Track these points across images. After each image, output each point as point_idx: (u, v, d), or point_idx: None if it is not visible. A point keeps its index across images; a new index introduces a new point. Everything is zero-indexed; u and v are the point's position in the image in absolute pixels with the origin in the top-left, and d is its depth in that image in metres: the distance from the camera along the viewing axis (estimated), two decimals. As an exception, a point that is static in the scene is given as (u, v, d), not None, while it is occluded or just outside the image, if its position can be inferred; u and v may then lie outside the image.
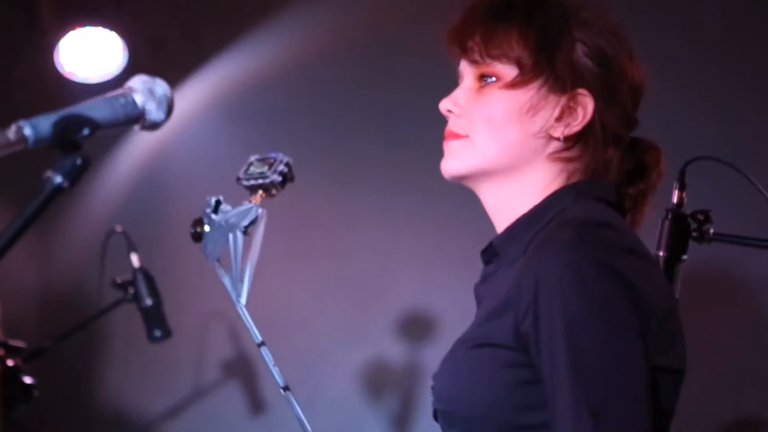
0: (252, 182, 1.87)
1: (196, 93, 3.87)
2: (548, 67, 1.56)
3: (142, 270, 3.07)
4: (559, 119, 1.57)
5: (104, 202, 3.82)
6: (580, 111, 1.57)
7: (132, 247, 3.11)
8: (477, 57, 1.59)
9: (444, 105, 1.63)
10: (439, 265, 3.54)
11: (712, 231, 2.10)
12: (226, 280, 1.84)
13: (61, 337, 3.11)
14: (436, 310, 3.51)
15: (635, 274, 1.44)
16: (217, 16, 3.99)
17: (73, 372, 3.84)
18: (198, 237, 1.88)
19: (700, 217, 2.10)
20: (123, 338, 3.81)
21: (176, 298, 3.32)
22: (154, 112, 1.40)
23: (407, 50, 3.57)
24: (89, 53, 3.86)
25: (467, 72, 1.62)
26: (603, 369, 1.39)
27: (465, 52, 1.61)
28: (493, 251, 1.62)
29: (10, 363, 2.85)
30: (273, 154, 1.88)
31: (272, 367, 1.83)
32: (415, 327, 3.52)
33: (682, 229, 2.09)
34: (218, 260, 1.83)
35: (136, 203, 3.85)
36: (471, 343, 1.51)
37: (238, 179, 1.88)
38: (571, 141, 1.58)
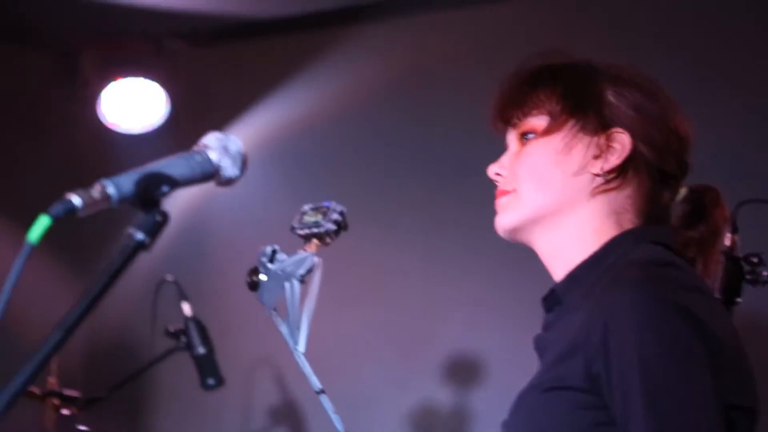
0: (306, 231, 1.89)
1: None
2: (577, 110, 1.64)
3: (194, 319, 3.09)
4: (597, 157, 1.63)
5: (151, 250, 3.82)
6: (617, 146, 1.62)
7: (183, 296, 3.12)
8: (515, 120, 1.69)
9: (492, 169, 1.71)
10: (485, 309, 3.54)
11: (766, 273, 2.10)
12: (284, 329, 1.85)
13: (116, 386, 3.12)
14: (482, 355, 3.51)
15: (704, 311, 1.45)
16: (258, 64, 4.03)
17: (122, 420, 3.85)
18: (254, 286, 1.89)
19: (754, 259, 2.11)
20: (170, 386, 3.83)
21: (222, 346, 3.34)
22: (229, 169, 1.44)
23: (450, 95, 3.60)
24: (131, 104, 3.91)
25: (511, 138, 1.71)
26: (678, 408, 1.39)
27: (507, 122, 1.70)
28: (555, 298, 1.64)
29: (65, 412, 2.89)
30: (326, 203, 1.91)
31: (332, 415, 1.84)
32: (462, 372, 3.52)
33: (736, 272, 2.10)
34: (275, 309, 1.85)
35: (178, 252, 3.87)
36: (543, 387, 1.51)
37: (293, 228, 1.90)
38: (612, 174, 1.63)
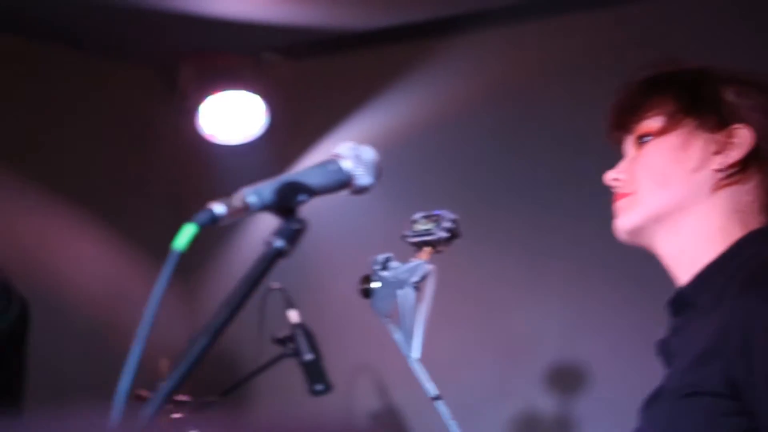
0: (418, 239, 1.92)
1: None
2: (693, 109, 1.64)
3: (302, 325, 3.12)
4: (717, 153, 1.62)
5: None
6: (738, 141, 1.62)
7: (290, 304, 3.15)
8: (631, 125, 1.69)
9: (609, 175, 1.71)
10: (587, 316, 3.51)
11: None
12: (398, 335, 1.88)
13: (226, 391, 3.17)
14: (584, 362, 3.48)
15: None
16: (353, 75, 4.06)
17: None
18: (367, 293, 1.92)
19: None
20: (274, 392, 3.86)
21: (324, 353, 3.36)
22: (363, 177, 1.47)
23: (548, 104, 3.59)
24: (230, 116, 3.97)
25: (628, 145, 1.72)
26: None
27: (623, 128, 1.71)
28: (683, 301, 1.62)
29: (176, 416, 2.95)
30: (437, 211, 1.94)
31: (449, 421, 1.86)
32: (564, 379, 3.50)
33: None
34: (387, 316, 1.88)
35: (284, 260, 3.90)
36: (679, 393, 1.49)
37: (404, 236, 1.93)
38: (733, 168, 1.62)
